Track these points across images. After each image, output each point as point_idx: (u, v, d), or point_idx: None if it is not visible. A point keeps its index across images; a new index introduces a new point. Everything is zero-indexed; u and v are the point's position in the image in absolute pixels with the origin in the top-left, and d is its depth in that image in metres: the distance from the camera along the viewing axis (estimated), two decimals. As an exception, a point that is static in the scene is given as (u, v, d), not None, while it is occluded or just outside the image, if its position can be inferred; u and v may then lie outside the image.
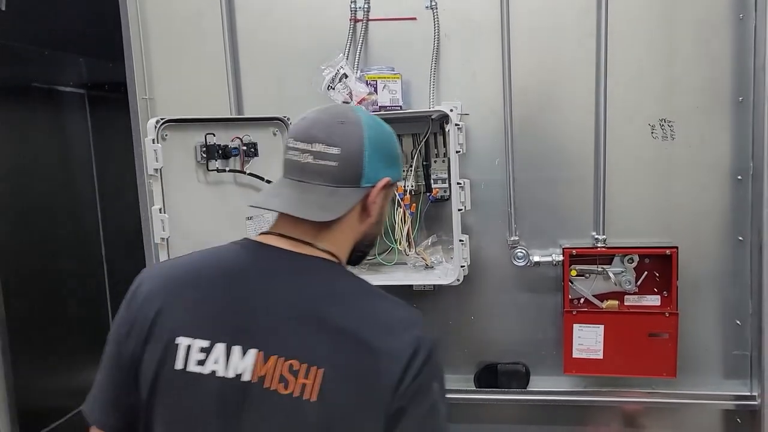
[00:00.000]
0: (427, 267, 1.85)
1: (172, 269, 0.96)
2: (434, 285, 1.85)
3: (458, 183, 1.68)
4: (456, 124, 1.68)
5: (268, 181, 1.64)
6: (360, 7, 1.85)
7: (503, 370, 1.89)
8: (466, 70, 1.84)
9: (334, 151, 0.91)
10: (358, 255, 1.02)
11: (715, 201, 1.75)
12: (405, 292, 1.90)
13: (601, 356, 1.76)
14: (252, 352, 0.84)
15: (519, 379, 1.88)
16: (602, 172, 1.78)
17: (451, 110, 1.68)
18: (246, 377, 0.84)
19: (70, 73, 4.25)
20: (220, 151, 1.48)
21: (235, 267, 0.92)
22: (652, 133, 1.76)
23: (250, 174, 1.59)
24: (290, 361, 0.83)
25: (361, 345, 0.84)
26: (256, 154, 1.59)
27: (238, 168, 1.56)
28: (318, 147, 0.91)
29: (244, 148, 1.56)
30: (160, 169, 1.36)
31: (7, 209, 3.09)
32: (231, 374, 0.84)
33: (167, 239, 1.38)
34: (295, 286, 0.89)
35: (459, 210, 1.69)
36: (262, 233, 0.96)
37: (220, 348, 0.85)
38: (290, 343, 0.84)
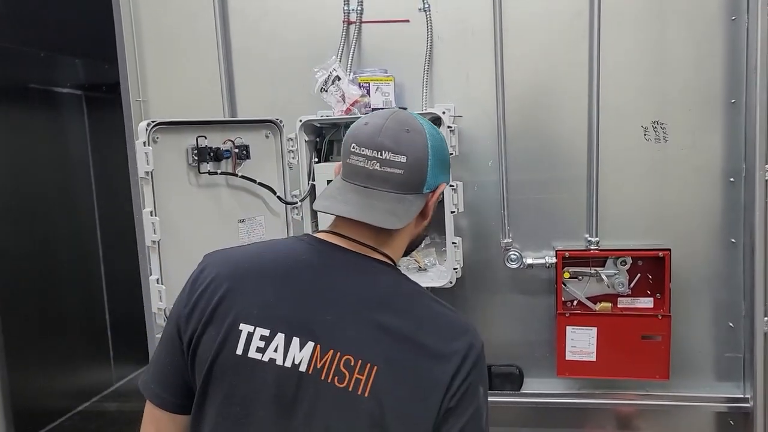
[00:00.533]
0: (420, 269, 1.84)
1: (239, 257, 0.98)
2: (427, 287, 1.85)
3: (451, 185, 1.68)
4: (449, 127, 1.68)
5: (261, 184, 1.64)
6: (353, 10, 1.85)
7: (497, 372, 1.89)
8: (459, 72, 1.84)
9: (401, 159, 0.93)
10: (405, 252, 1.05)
11: (708, 203, 1.75)
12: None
13: (594, 358, 1.76)
14: (310, 345, 0.87)
15: (512, 381, 1.88)
16: (595, 174, 1.78)
17: (444, 112, 1.68)
18: (303, 368, 0.86)
19: (67, 74, 4.26)
20: (212, 154, 1.48)
21: (299, 261, 0.94)
22: (645, 135, 1.76)
23: (242, 176, 1.59)
24: (347, 356, 0.86)
25: (415, 346, 0.87)
26: (248, 156, 1.59)
27: (229, 170, 1.56)
28: (386, 155, 0.92)
29: (236, 150, 1.56)
30: (151, 172, 1.36)
31: (5, 209, 3.09)
32: (289, 364, 0.86)
33: (158, 242, 1.38)
34: (356, 284, 0.92)
35: (452, 212, 1.69)
36: (322, 231, 0.99)
37: (280, 338, 0.87)
38: (348, 338, 0.87)
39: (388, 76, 1.79)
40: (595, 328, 1.76)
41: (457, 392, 0.86)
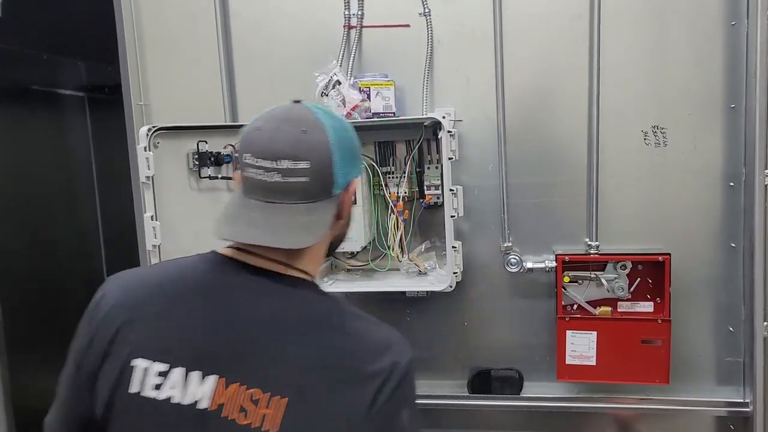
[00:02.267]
0: (420, 273, 1.85)
1: (137, 282, 0.91)
2: (427, 291, 1.85)
3: (451, 190, 1.69)
4: (448, 131, 1.68)
5: (261, 188, 1.64)
6: (354, 14, 1.85)
7: (496, 375, 1.89)
8: (459, 76, 1.85)
9: (304, 165, 0.85)
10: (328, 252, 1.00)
11: (708, 207, 1.75)
12: (397, 298, 1.91)
13: (594, 363, 1.76)
14: (212, 378, 0.80)
15: (512, 384, 1.88)
16: (595, 179, 1.78)
17: (444, 117, 1.68)
18: (203, 404, 0.79)
19: (69, 76, 4.27)
20: (213, 159, 1.49)
21: (201, 284, 0.87)
22: (645, 139, 1.77)
23: (243, 181, 1.59)
24: (252, 390, 0.79)
25: (330, 371, 0.81)
26: (248, 161, 1.59)
27: (230, 175, 1.56)
28: (285, 164, 0.84)
29: (236, 155, 1.56)
30: (152, 177, 1.37)
31: (7, 211, 3.10)
32: (188, 401, 0.80)
33: (159, 246, 1.38)
34: (265, 308, 0.85)
35: (452, 216, 1.69)
36: (230, 247, 0.91)
37: (178, 372, 0.81)
38: (254, 369, 0.80)
39: (388, 81, 1.79)
40: (595, 332, 1.76)
41: (377, 418, 0.79)
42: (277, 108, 0.93)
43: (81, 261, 4.60)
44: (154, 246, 1.37)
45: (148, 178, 1.35)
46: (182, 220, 1.47)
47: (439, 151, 1.83)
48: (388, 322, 1.98)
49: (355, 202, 1.74)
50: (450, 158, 1.69)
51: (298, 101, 0.96)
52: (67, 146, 4.42)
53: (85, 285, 4.70)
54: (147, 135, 1.35)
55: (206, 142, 1.47)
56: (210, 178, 1.50)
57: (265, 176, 0.85)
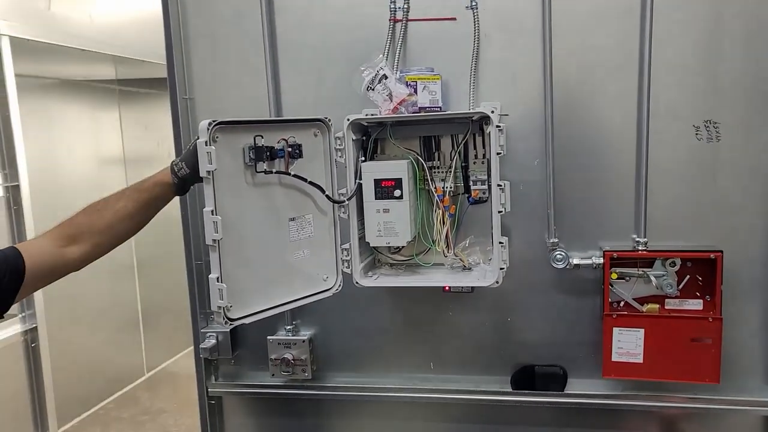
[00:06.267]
0: (464, 268, 1.84)
1: None
2: (472, 286, 1.85)
3: (499, 185, 1.68)
4: (497, 126, 1.67)
5: (311, 182, 1.65)
6: (400, 8, 1.84)
7: (540, 372, 1.88)
8: (505, 70, 1.83)
9: None
10: None
11: (762, 204, 1.72)
12: (441, 293, 1.91)
13: (641, 360, 1.75)
14: None
15: (556, 381, 1.87)
16: (644, 174, 1.76)
17: (492, 111, 1.67)
18: None
19: (103, 68, 4.33)
20: (268, 153, 1.49)
21: None
22: (697, 134, 1.74)
23: (295, 175, 1.60)
24: None
25: None
26: (300, 155, 1.60)
27: (283, 169, 1.57)
28: None
29: (289, 149, 1.57)
30: (213, 171, 1.38)
31: (41, 203, 3.15)
32: None
33: (219, 241, 1.39)
34: None
35: (499, 212, 1.69)
36: None
37: None
38: None
39: (435, 75, 1.78)
40: (643, 330, 1.75)
41: None
42: None
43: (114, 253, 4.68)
44: (215, 240, 1.37)
45: (209, 172, 1.35)
46: (237, 214, 1.48)
47: (484, 146, 1.82)
48: (432, 317, 1.99)
49: (401, 197, 1.74)
50: (498, 153, 1.67)
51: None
52: (98, 136, 4.51)
53: (115, 272, 4.77)
54: (207, 129, 1.36)
55: (262, 137, 1.47)
56: (265, 172, 1.50)
57: None
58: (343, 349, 2.04)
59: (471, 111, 1.74)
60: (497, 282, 1.70)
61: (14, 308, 2.69)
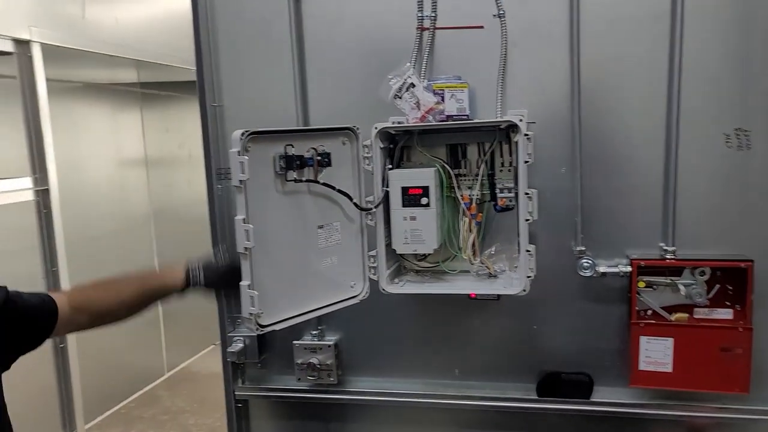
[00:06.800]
0: (490, 276, 1.85)
1: None
2: (498, 294, 1.86)
3: (526, 193, 1.68)
4: (525, 134, 1.67)
5: (339, 190, 1.67)
6: (427, 16, 1.85)
7: (566, 379, 1.88)
8: (532, 78, 1.83)
9: None
10: None
11: (792, 213, 1.71)
12: (466, 300, 1.91)
13: (670, 369, 1.74)
14: None
15: (582, 389, 1.87)
16: (673, 182, 1.75)
17: (520, 120, 1.67)
18: None
19: (126, 72, 4.39)
20: (298, 162, 1.51)
21: None
22: (727, 142, 1.73)
23: (324, 183, 1.61)
24: None
25: None
26: (329, 164, 1.61)
27: (312, 178, 1.59)
28: None
29: (318, 158, 1.58)
30: (245, 181, 1.40)
31: (65, 203, 3.20)
32: None
33: (251, 249, 1.41)
34: None
35: (527, 220, 1.69)
36: None
37: None
38: None
39: (462, 83, 1.79)
40: (672, 339, 1.74)
41: None
42: None
43: (132, 250, 4.75)
44: (246, 248, 1.39)
45: (241, 182, 1.37)
46: (267, 222, 1.50)
47: (511, 154, 1.83)
48: (457, 324, 1.99)
49: (427, 205, 1.75)
50: (526, 162, 1.68)
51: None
52: (121, 139, 4.57)
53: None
54: (240, 139, 1.38)
55: (293, 146, 1.49)
56: (295, 181, 1.52)
57: None
58: (368, 354, 2.05)
59: (499, 119, 1.74)
60: (524, 290, 1.71)
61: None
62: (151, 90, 5.10)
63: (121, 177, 4.71)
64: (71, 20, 2.94)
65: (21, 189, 2.61)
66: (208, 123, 2.00)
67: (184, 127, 5.34)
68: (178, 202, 5.19)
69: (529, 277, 1.71)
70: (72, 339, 2.79)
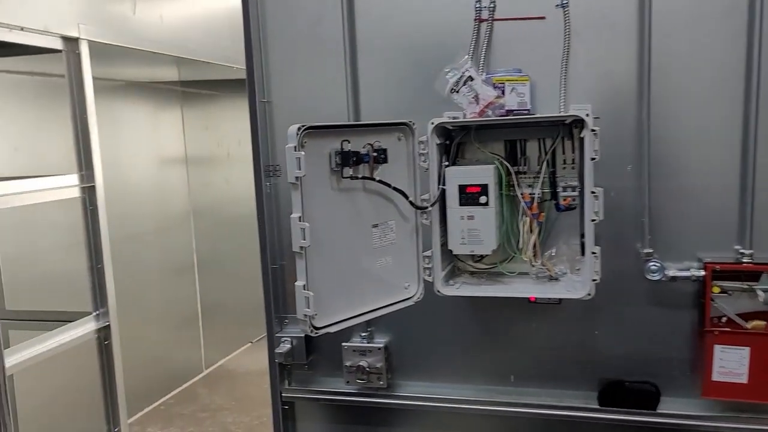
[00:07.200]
0: (551, 278, 1.76)
1: None
2: (559, 298, 1.77)
3: (593, 192, 1.59)
4: (592, 130, 1.58)
5: (395, 188, 1.61)
6: (485, 7, 1.77)
7: (631, 388, 1.78)
8: (597, 71, 1.74)
9: None
10: None
11: None
12: (524, 303, 1.83)
13: (745, 380, 1.63)
14: None
15: (648, 399, 1.77)
16: (751, 181, 1.64)
17: (587, 115, 1.58)
18: None
19: (167, 70, 4.41)
20: (355, 158, 1.46)
21: None
22: (811, 139, 1.61)
23: (380, 181, 1.55)
24: None
25: None
26: (385, 160, 1.55)
27: (366, 174, 1.53)
28: None
29: (375, 154, 1.52)
30: (301, 177, 1.35)
31: (109, 202, 3.22)
32: None
33: (306, 248, 1.36)
34: None
35: (592, 221, 1.60)
36: None
37: None
38: None
39: (523, 76, 1.71)
40: (748, 348, 1.63)
41: None
42: None
43: (171, 248, 4.80)
44: (302, 248, 1.34)
45: (297, 178, 1.32)
46: (322, 220, 1.44)
47: (574, 150, 1.74)
48: (513, 328, 1.91)
49: (486, 204, 1.67)
50: (593, 159, 1.59)
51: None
52: (161, 137, 4.61)
53: (175, 270, 4.88)
54: (297, 134, 1.33)
55: (349, 142, 1.44)
56: (351, 177, 1.46)
57: None
58: (419, 358, 1.99)
59: (564, 114, 1.65)
60: (589, 294, 1.62)
61: (88, 305, 2.75)
62: (190, 89, 5.13)
63: (162, 175, 4.74)
64: (119, 18, 2.95)
65: (68, 186, 2.62)
66: (257, 119, 1.96)
67: (222, 125, 5.36)
68: (216, 200, 5.22)
69: (594, 280, 1.62)
70: (117, 337, 2.80)
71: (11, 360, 2.36)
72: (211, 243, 5.14)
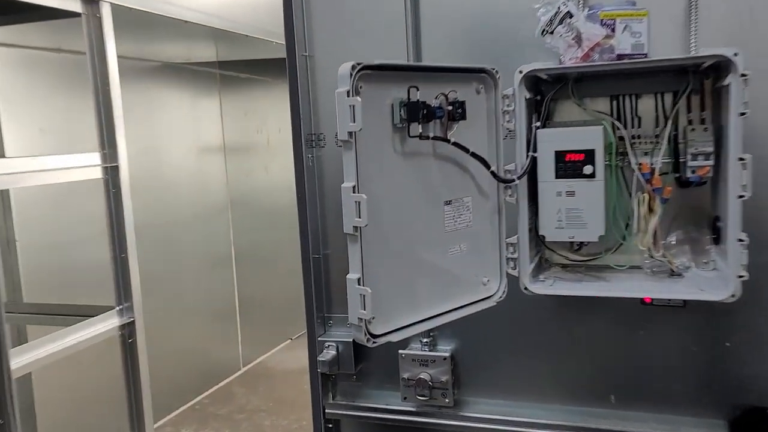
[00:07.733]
0: (672, 273, 1.36)
1: None
2: (684, 300, 1.37)
3: (741, 158, 1.19)
4: (742, 74, 1.18)
5: (473, 154, 1.23)
6: (587, -77, 1.38)
7: (776, 418, 1.37)
8: (734, 7, 1.33)
9: None
10: None
11: None
12: (634, 305, 1.44)
13: None
14: None
15: (801, 433, 1.36)
16: None
17: (735, 54, 1.18)
18: None
19: (204, 48, 4.17)
20: (425, 112, 1.09)
21: None
22: None
23: (455, 144, 1.18)
24: None
25: None
26: (463, 116, 1.18)
27: (439, 134, 1.16)
28: None
29: (450, 107, 1.15)
30: (356, 133, 0.99)
31: (143, 189, 2.96)
32: None
33: (362, 228, 1.00)
34: None
35: (740, 197, 1.20)
36: None
37: None
38: None
39: (640, 11, 1.31)
40: None
41: None
42: None
43: (207, 239, 4.59)
44: (356, 228, 0.98)
45: (351, 134, 0.96)
46: (382, 192, 1.08)
47: (703, 108, 1.33)
48: (615, 336, 1.50)
49: (592, 175, 1.29)
50: (742, 114, 1.19)
51: None
52: (198, 121, 4.41)
53: (211, 263, 4.67)
54: (351, 75, 0.97)
55: (417, 89, 1.07)
56: (420, 137, 1.10)
57: None
58: (493, 370, 1.63)
59: (703, 54, 1.24)
60: (734, 295, 1.22)
61: (111, 300, 2.49)
62: (229, 71, 4.88)
63: (199, 163, 4.52)
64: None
65: (89, 165, 2.35)
66: (297, 77, 1.62)
67: (262, 111, 5.11)
68: (255, 189, 4.99)
69: (741, 276, 1.21)
70: (141, 334, 2.53)
71: (24, 359, 2.10)
72: (250, 234, 4.91)
